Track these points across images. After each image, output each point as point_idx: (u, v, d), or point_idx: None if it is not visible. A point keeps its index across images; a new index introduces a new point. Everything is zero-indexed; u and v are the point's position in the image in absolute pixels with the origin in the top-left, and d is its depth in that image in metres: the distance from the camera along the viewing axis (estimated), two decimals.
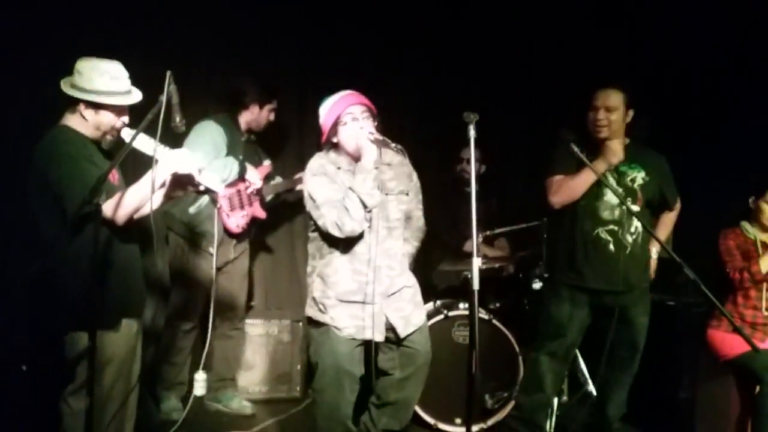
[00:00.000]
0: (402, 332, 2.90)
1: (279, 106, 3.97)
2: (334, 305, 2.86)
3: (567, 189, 3.21)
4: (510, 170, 4.52)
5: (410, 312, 2.95)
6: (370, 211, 2.80)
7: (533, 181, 4.14)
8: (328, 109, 2.87)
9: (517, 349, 3.71)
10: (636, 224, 3.17)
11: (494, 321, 3.72)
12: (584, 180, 3.15)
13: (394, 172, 2.95)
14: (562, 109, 4.21)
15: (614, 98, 3.19)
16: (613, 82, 3.23)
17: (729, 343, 3.48)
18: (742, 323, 3.48)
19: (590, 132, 3.23)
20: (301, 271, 4.39)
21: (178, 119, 2.38)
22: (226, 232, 3.80)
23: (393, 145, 2.78)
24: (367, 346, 2.88)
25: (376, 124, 2.87)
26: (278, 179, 4.06)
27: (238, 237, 3.87)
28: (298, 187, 3.94)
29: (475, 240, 2.47)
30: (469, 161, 4.13)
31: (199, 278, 3.74)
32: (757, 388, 3.37)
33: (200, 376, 4.14)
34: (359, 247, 2.86)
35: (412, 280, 3.01)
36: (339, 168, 2.88)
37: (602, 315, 3.27)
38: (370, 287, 2.84)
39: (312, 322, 2.94)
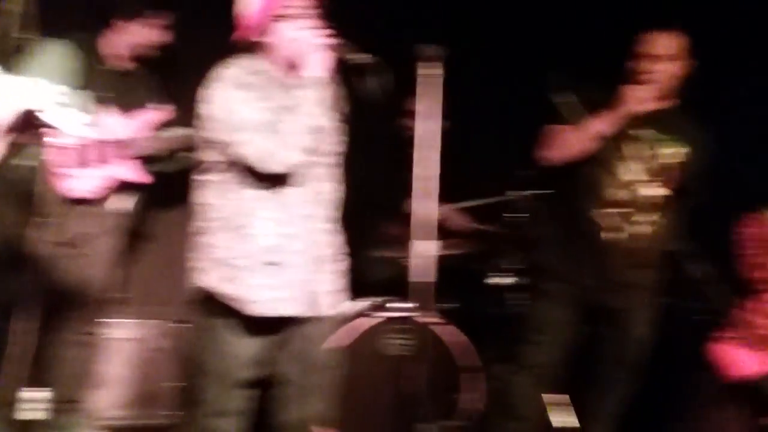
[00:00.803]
0: (311, 310, 2.91)
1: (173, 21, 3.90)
2: (249, 267, 2.83)
3: (561, 142, 3.33)
4: (477, 127, 4.64)
5: (332, 288, 2.99)
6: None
7: (508, 141, 4.32)
8: None
9: (479, 363, 3.89)
10: (653, 212, 3.37)
11: (445, 326, 3.88)
12: (583, 133, 3.23)
13: (324, 92, 2.91)
14: (553, 47, 4.42)
15: (670, 45, 3.36)
16: (667, 23, 3.38)
17: (740, 360, 3.74)
18: (753, 335, 3.70)
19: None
20: (186, 256, 4.43)
21: (21, 33, 2.43)
22: (70, 196, 3.78)
23: (357, 56, 2.77)
24: (273, 333, 2.90)
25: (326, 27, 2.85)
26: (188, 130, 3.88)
27: (89, 204, 3.84)
28: None
29: (429, 218, 2.67)
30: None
31: (33, 258, 3.72)
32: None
33: (29, 395, 4.14)
34: (283, 187, 2.84)
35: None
36: (266, 77, 2.84)
37: (596, 320, 3.46)
38: (294, 243, 2.85)
39: (200, 303, 2.89)
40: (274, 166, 2.75)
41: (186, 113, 3.93)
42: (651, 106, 3.35)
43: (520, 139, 3.60)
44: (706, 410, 4.02)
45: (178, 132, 3.98)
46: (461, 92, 4.37)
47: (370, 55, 2.76)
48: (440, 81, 2.73)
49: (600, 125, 3.27)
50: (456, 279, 4.30)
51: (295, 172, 2.81)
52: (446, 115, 4.21)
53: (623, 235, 3.38)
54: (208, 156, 2.87)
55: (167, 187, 4.19)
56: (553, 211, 3.63)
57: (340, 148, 3.00)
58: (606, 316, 3.43)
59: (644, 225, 3.40)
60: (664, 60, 3.34)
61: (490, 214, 4.30)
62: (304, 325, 2.93)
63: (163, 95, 4.08)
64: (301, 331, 2.94)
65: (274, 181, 2.81)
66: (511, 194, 4.05)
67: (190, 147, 3.84)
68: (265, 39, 2.85)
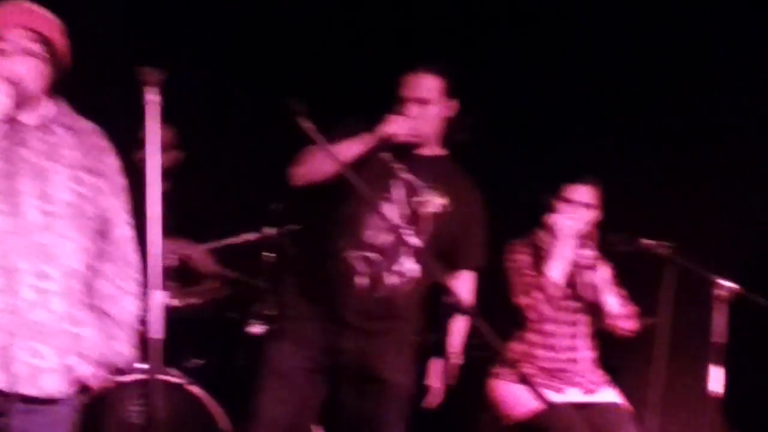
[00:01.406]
0: (12, 387, 2.71)
1: None
2: None
3: (311, 160, 3.35)
4: (221, 157, 4.66)
5: (52, 365, 2.78)
6: None
7: (257, 172, 4.39)
8: None
9: (228, 427, 3.79)
10: (409, 263, 3.40)
11: (190, 387, 3.78)
12: (334, 153, 3.19)
13: (76, 141, 2.91)
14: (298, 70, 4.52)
15: (427, 86, 3.44)
16: (425, 63, 3.47)
17: (518, 397, 3.82)
18: (536, 369, 3.87)
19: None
20: None
21: None
22: None
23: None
24: None
25: (45, 55, 2.78)
26: None
27: None
28: None
29: (157, 264, 2.55)
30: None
31: None
32: None
33: None
34: None
35: (85, 320, 2.86)
36: None
37: (346, 370, 3.41)
38: None
39: None
40: None
41: None
42: (410, 139, 3.43)
43: (272, 171, 3.62)
44: None
45: None
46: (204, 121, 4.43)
47: None
48: (160, 107, 2.66)
49: (352, 147, 3.32)
50: (210, 330, 4.25)
51: None
52: (180, 146, 4.22)
53: (380, 284, 3.41)
54: None
55: None
56: (303, 248, 3.65)
57: (74, 197, 2.86)
58: (357, 364, 3.41)
59: (404, 278, 3.43)
60: (425, 102, 3.43)
61: (242, 254, 4.26)
62: (22, 410, 2.73)
63: None
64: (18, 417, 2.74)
65: None
66: (265, 230, 4.05)
67: None
68: None
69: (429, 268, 3.24)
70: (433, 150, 3.55)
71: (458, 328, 3.57)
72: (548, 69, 5.00)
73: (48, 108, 2.86)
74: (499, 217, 3.97)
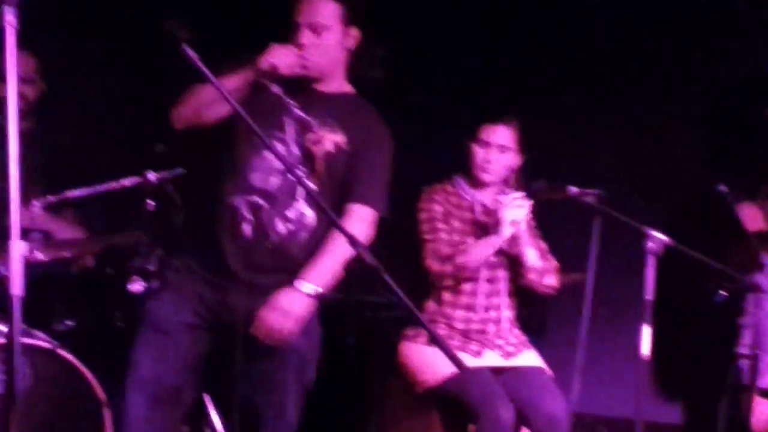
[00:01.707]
0: None
1: None
2: None
3: (194, 101, 3.19)
4: (94, 91, 4.50)
5: None
6: None
7: (139, 109, 4.21)
8: None
9: (103, 396, 3.62)
10: (303, 209, 3.20)
11: (61, 351, 3.59)
12: (217, 88, 2.93)
13: None
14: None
15: (323, 11, 3.24)
16: None
17: (431, 361, 3.67)
18: (451, 330, 3.77)
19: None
20: None
21: None
22: None
23: None
24: None
25: None
26: None
27: None
28: None
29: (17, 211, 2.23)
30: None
31: None
32: (470, 428, 3.65)
33: None
34: None
35: None
36: None
37: (235, 332, 3.24)
38: None
39: None
40: None
41: None
42: (296, 71, 3.25)
43: (155, 108, 3.46)
44: (400, 421, 4.06)
45: None
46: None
47: None
48: (18, 31, 2.38)
49: (229, 81, 3.11)
50: (83, 287, 4.07)
51: None
52: (43, 77, 4.09)
53: (264, 231, 3.24)
54: None
55: None
56: (189, 195, 3.55)
57: None
58: (249, 325, 3.21)
59: (294, 223, 3.26)
60: (319, 29, 3.25)
61: (121, 202, 4.02)
62: None
63: None
64: None
65: None
66: (148, 175, 3.75)
67: None
68: None
69: (325, 213, 3.04)
70: (335, 86, 3.35)
71: (330, 252, 3.20)
72: (472, 5, 4.89)
73: None
74: (414, 162, 3.93)
